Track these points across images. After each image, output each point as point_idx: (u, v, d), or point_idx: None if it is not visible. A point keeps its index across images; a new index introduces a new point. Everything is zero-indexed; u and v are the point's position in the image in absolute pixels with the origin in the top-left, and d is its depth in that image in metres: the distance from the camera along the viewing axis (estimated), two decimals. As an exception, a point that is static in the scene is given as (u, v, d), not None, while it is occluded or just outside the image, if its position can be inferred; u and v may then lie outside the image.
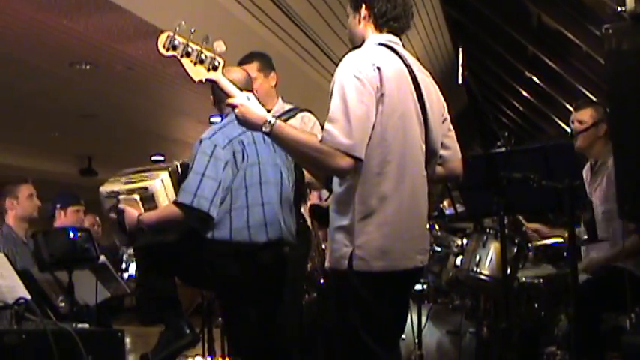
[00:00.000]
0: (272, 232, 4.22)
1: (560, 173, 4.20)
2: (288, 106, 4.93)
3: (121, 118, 11.63)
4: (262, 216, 4.18)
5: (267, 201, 4.22)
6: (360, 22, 3.30)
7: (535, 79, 13.29)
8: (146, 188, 4.24)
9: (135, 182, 4.32)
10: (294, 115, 4.81)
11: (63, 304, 4.94)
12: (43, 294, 4.93)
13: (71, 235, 4.92)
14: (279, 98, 4.98)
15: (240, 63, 4.77)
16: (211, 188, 4.04)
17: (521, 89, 14.69)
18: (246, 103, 3.07)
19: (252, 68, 4.74)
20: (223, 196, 4.11)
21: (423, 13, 11.30)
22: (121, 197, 4.26)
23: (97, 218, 7.58)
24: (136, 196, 4.23)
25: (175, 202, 4.09)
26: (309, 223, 4.95)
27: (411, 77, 3.17)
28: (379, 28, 3.26)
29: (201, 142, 4.14)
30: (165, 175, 4.28)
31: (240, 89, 3.13)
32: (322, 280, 5.77)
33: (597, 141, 5.04)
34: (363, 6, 3.28)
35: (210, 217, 4.06)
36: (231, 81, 3.15)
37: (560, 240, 5.33)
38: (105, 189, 4.39)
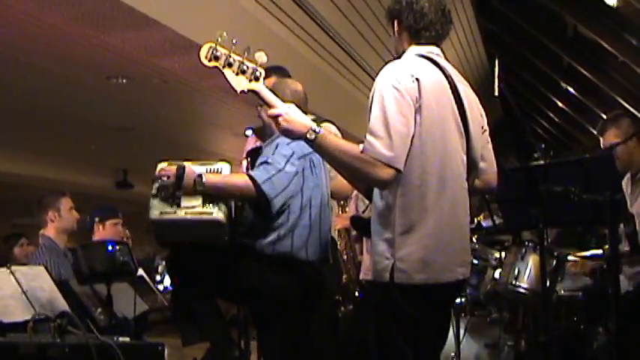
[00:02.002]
0: (324, 251, 4.24)
1: (599, 186, 4.15)
2: (309, 117, 4.92)
3: (156, 131, 11.69)
4: (319, 236, 4.17)
5: (323, 222, 4.22)
6: (396, 36, 3.32)
7: (571, 89, 13.20)
8: (218, 167, 4.14)
9: (200, 162, 4.19)
10: None
11: (102, 317, 4.96)
12: (82, 307, 4.95)
13: (110, 248, 4.94)
14: None
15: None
16: (282, 184, 3.98)
17: (556, 100, 14.59)
18: (289, 112, 3.09)
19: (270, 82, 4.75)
20: (285, 202, 4.05)
21: (458, 25, 11.27)
22: (186, 164, 4.05)
23: (127, 231, 7.58)
24: (202, 168, 4.07)
25: (247, 173, 3.99)
26: (333, 233, 4.95)
27: (452, 88, 3.16)
28: (413, 39, 3.27)
29: (277, 145, 4.09)
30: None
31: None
32: (357, 293, 5.76)
33: (633, 153, 4.99)
34: (395, 21, 3.30)
35: (269, 208, 3.97)
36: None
37: (599, 252, 5.29)
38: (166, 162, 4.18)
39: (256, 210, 4.05)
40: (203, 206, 3.93)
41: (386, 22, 3.38)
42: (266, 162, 4.02)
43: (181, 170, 3.92)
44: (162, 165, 4.13)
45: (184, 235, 4.04)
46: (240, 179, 3.99)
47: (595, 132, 12.90)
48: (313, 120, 4.79)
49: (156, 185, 4.00)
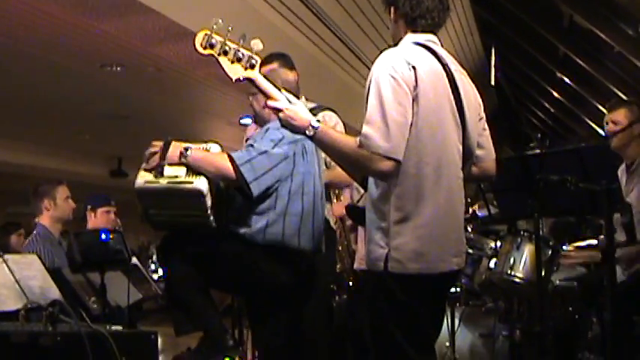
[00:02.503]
0: (317, 241, 4.21)
1: (595, 175, 4.13)
2: (310, 105, 4.91)
3: (151, 120, 11.66)
4: (312, 225, 4.15)
5: (317, 210, 4.19)
6: (393, 23, 3.29)
7: (566, 79, 13.18)
8: (205, 142, 4.13)
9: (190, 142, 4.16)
10: (315, 114, 4.79)
11: (95, 306, 4.94)
12: (76, 295, 4.94)
13: (103, 236, 4.92)
14: (302, 97, 4.96)
15: (261, 65, 4.75)
16: (263, 167, 3.94)
17: (552, 90, 14.57)
18: (290, 107, 3.06)
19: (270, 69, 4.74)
20: (272, 185, 4.01)
21: (453, 15, 11.23)
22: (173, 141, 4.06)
23: (119, 220, 7.55)
24: (191, 145, 4.03)
25: (230, 157, 3.94)
26: (332, 223, 4.93)
27: (448, 77, 3.13)
28: (409, 27, 3.24)
29: (268, 129, 4.07)
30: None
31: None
32: (351, 283, 5.76)
33: (633, 141, 4.99)
34: (392, 8, 3.27)
35: (249, 191, 3.93)
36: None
37: (594, 242, 5.28)
38: None
39: (241, 193, 4.03)
40: (186, 176, 3.95)
41: (382, 10, 3.35)
42: (251, 145, 4.00)
43: (168, 142, 3.96)
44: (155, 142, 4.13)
45: (167, 206, 4.04)
46: (221, 159, 3.96)
47: (590, 122, 12.89)
48: (315, 108, 4.82)
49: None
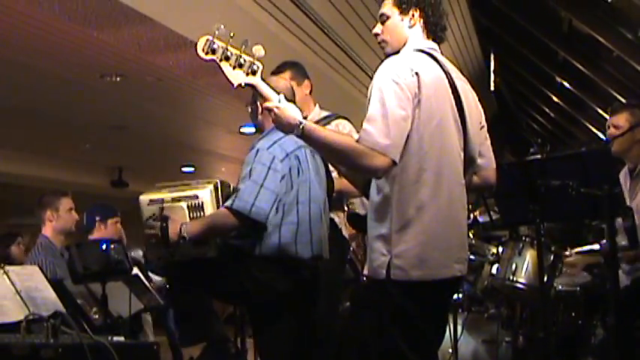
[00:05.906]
0: (316, 248, 4.20)
1: (597, 180, 4.12)
2: (325, 113, 4.93)
3: (151, 130, 11.65)
4: (309, 232, 4.14)
5: (314, 217, 4.19)
6: (407, 24, 3.27)
7: (566, 84, 13.16)
8: (196, 196, 4.16)
9: (181, 191, 4.24)
10: (329, 122, 4.81)
11: (97, 316, 4.93)
12: (77, 306, 4.92)
13: (104, 247, 4.90)
14: (316, 105, 4.98)
15: (273, 74, 4.77)
16: (268, 200, 3.98)
17: (552, 95, 14.55)
18: (280, 105, 3.05)
19: (284, 78, 4.75)
20: (275, 208, 4.05)
21: (452, 21, 11.23)
22: (166, 205, 4.15)
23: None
24: (183, 204, 4.14)
25: (229, 208, 3.98)
26: (344, 232, 4.92)
27: (450, 84, 3.13)
28: (429, 34, 3.26)
29: (257, 151, 4.08)
30: (212, 187, 4.22)
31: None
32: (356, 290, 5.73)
33: (635, 145, 4.97)
34: (417, 10, 3.25)
35: (264, 229, 4.00)
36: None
37: (597, 247, 5.28)
38: (146, 197, 4.26)
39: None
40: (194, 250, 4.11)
41: (393, 3, 3.30)
42: (248, 176, 4.02)
43: (165, 228, 4.00)
44: (143, 200, 4.26)
45: None
46: (223, 218, 4.03)
47: (590, 126, 12.88)
48: (328, 116, 4.83)
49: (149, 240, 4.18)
